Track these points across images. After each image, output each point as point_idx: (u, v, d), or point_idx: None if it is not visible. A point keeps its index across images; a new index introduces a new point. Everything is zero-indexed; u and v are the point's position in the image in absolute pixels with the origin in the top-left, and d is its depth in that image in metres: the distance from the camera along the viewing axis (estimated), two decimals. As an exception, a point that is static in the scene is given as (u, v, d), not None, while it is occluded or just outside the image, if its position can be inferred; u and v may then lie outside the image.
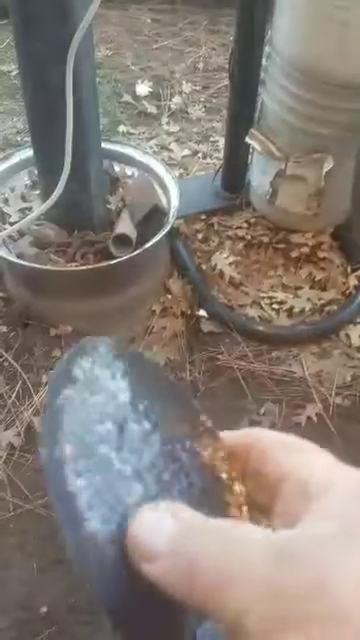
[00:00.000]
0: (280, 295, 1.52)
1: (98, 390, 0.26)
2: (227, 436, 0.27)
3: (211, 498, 0.25)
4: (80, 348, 0.27)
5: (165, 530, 0.21)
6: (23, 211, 1.46)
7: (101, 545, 0.21)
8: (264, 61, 1.47)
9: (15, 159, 1.50)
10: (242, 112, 1.55)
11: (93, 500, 0.22)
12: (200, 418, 0.28)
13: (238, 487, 0.26)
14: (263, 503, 0.25)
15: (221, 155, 1.73)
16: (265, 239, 1.62)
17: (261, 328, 1.46)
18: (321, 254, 1.58)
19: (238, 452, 0.26)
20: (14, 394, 1.33)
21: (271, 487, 0.24)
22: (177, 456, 0.26)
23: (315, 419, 1.32)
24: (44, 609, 1.10)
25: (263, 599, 0.18)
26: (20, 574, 1.13)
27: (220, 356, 1.42)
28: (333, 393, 1.36)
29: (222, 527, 0.21)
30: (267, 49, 1.45)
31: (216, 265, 1.56)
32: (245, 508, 0.26)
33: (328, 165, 1.41)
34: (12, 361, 1.37)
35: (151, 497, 0.23)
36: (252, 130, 1.51)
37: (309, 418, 1.32)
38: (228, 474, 0.26)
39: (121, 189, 1.52)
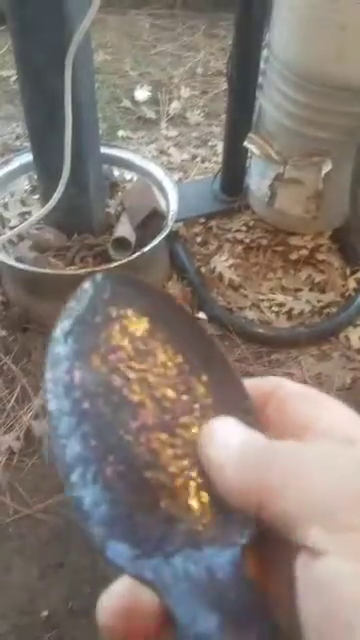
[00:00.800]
0: (279, 297, 1.52)
1: (115, 319, 0.26)
2: (248, 382, 0.27)
3: None
4: (101, 280, 0.27)
5: (234, 440, 0.22)
6: (23, 215, 1.46)
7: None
8: (262, 65, 1.47)
9: (15, 164, 1.51)
10: (240, 116, 1.55)
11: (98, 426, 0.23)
12: (222, 356, 0.28)
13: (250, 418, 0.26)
14: None
15: (220, 159, 1.74)
16: (264, 242, 1.62)
17: (260, 330, 1.46)
18: (320, 256, 1.58)
19: (255, 399, 0.26)
20: (13, 398, 1.32)
21: (291, 436, 0.23)
22: (192, 387, 0.26)
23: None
24: (44, 613, 1.09)
25: (347, 506, 0.18)
26: (20, 578, 1.12)
27: (220, 359, 1.42)
28: (333, 395, 1.35)
29: (290, 442, 0.21)
30: (265, 53, 1.45)
31: (215, 268, 1.56)
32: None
33: (326, 168, 1.42)
34: (11, 365, 1.37)
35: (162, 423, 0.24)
36: (250, 134, 1.52)
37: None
38: (244, 410, 0.26)
39: (120, 193, 1.53)
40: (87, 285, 0.26)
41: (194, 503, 0.22)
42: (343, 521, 0.18)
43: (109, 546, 0.20)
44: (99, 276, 0.27)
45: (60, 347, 0.25)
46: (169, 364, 0.26)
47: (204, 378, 0.26)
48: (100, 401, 0.23)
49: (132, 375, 0.25)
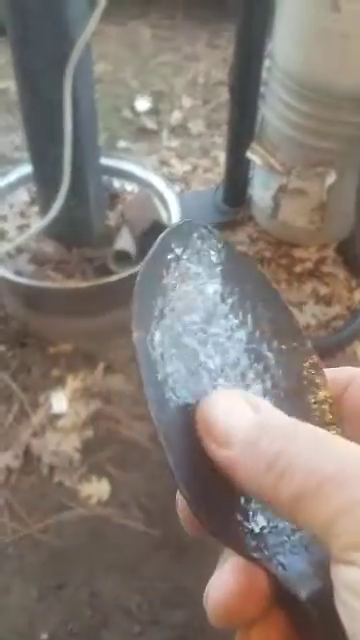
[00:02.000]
0: (284, 311, 1.49)
1: (189, 278, 0.25)
2: (327, 371, 0.26)
3: (294, 402, 0.25)
4: (174, 231, 0.26)
5: (244, 418, 0.20)
6: (22, 228, 1.44)
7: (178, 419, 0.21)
8: (264, 75, 1.46)
9: (13, 176, 1.49)
10: (243, 126, 1.54)
11: (178, 387, 0.22)
12: (295, 324, 0.27)
13: (323, 393, 0.26)
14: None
15: (222, 170, 1.72)
16: (268, 254, 1.60)
17: (265, 345, 1.43)
18: (325, 269, 1.55)
19: (336, 384, 0.25)
20: (11, 415, 1.30)
21: None
22: (263, 355, 0.25)
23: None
24: (44, 636, 1.07)
25: None
26: (19, 600, 1.10)
27: (223, 374, 1.39)
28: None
29: (311, 428, 0.20)
30: (267, 63, 1.44)
31: (218, 281, 1.53)
32: (330, 417, 0.25)
33: (330, 179, 1.40)
34: (9, 381, 1.35)
35: None
36: (253, 144, 1.50)
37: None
38: (315, 382, 0.26)
39: (121, 205, 1.51)
40: (170, 234, 0.26)
41: None
42: None
43: (219, 532, 0.21)
44: (186, 225, 0.27)
45: (141, 306, 0.24)
46: (242, 332, 0.25)
47: (277, 346, 0.26)
48: (179, 365, 0.23)
49: (210, 341, 0.24)
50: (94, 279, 1.36)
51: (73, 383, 1.33)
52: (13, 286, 1.37)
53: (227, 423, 0.20)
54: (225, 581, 0.20)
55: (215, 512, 0.21)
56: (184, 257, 0.26)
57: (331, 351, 1.44)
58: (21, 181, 1.49)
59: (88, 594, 1.11)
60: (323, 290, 1.52)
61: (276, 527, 0.21)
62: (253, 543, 0.21)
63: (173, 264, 0.25)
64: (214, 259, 0.27)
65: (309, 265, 1.56)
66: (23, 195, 1.51)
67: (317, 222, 1.50)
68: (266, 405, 0.22)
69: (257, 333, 0.26)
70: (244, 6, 1.36)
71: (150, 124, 2.14)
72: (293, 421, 0.20)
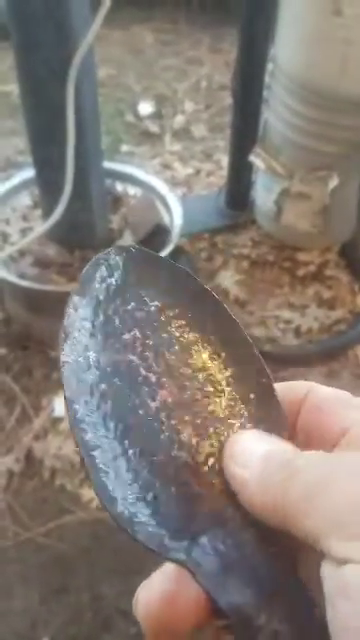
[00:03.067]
0: (286, 314, 1.49)
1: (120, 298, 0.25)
2: (278, 386, 0.26)
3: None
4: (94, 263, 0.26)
5: (260, 446, 0.22)
6: (24, 231, 1.44)
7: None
8: (267, 79, 1.46)
9: (16, 179, 1.49)
10: (245, 130, 1.54)
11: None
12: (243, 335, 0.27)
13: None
14: None
15: (225, 173, 1.72)
16: (270, 257, 1.60)
17: (267, 348, 1.43)
18: (328, 272, 1.55)
19: (288, 402, 0.25)
20: (13, 418, 1.30)
21: (326, 440, 0.23)
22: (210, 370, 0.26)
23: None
24: (46, 639, 1.06)
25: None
26: (21, 604, 1.10)
27: (225, 377, 1.39)
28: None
29: (316, 453, 0.21)
30: (270, 67, 1.44)
31: (221, 284, 1.53)
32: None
33: (333, 182, 1.40)
34: (11, 384, 1.35)
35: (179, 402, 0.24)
36: (256, 148, 1.50)
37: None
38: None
39: (123, 208, 1.51)
40: (102, 265, 0.26)
41: (217, 481, 0.23)
42: None
43: (139, 530, 0.21)
44: (113, 257, 0.26)
45: (76, 331, 0.24)
46: (185, 344, 0.25)
47: (224, 358, 0.26)
48: (117, 382, 0.23)
49: (149, 355, 0.24)
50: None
51: (75, 386, 1.33)
52: (15, 289, 1.37)
53: (246, 449, 0.22)
54: (149, 586, 0.22)
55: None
56: (124, 282, 0.26)
57: (334, 354, 1.43)
58: (24, 185, 1.50)
59: (90, 597, 1.10)
60: (326, 293, 1.52)
61: (215, 532, 0.22)
62: (184, 545, 0.21)
63: (113, 289, 0.26)
64: (154, 280, 0.26)
65: (312, 268, 1.55)
66: (26, 199, 1.52)
67: (320, 225, 1.50)
68: (276, 439, 0.23)
69: (205, 348, 0.26)
70: (246, 10, 1.37)
71: (153, 128, 2.14)
72: (296, 449, 0.22)
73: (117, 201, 1.52)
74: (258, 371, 0.26)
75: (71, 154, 1.16)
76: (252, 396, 0.25)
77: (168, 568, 0.22)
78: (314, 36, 1.26)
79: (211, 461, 0.23)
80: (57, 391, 1.34)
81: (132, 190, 1.55)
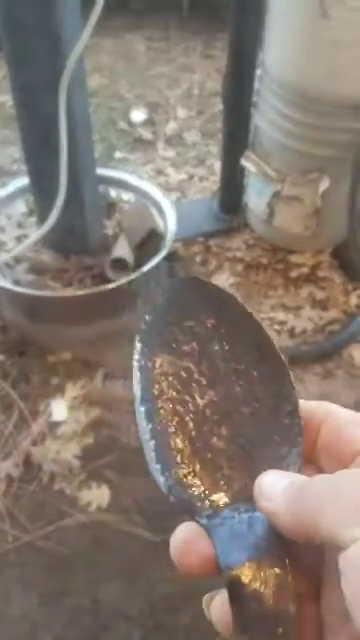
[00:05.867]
0: (281, 316, 1.50)
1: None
2: (302, 404, 0.30)
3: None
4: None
5: (280, 482, 0.25)
6: (20, 238, 1.46)
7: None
8: (256, 84, 1.48)
9: (11, 187, 1.51)
10: (236, 135, 1.56)
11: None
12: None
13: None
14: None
15: (217, 178, 1.74)
16: (264, 260, 1.61)
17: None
18: (321, 273, 1.56)
19: (309, 421, 0.29)
20: (11, 424, 1.30)
21: (344, 458, 0.26)
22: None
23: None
24: (45, 645, 1.07)
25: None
26: (21, 608, 1.10)
27: (221, 379, 1.40)
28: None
29: (322, 475, 0.25)
30: (259, 72, 1.46)
31: (215, 287, 1.54)
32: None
33: (324, 185, 1.41)
34: (9, 390, 1.35)
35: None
36: (247, 152, 1.52)
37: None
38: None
39: (118, 214, 1.52)
40: (163, 290, 0.32)
41: (245, 467, 0.28)
42: None
43: (176, 494, 0.27)
44: (179, 279, 0.34)
45: (143, 339, 0.30)
46: (232, 357, 0.30)
47: (259, 375, 0.30)
48: (176, 381, 0.29)
49: (204, 362, 0.30)
50: (92, 287, 1.37)
51: (72, 391, 1.34)
52: (12, 295, 1.38)
53: (271, 486, 0.26)
54: (179, 531, 0.27)
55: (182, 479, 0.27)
56: (183, 305, 0.32)
57: (328, 355, 1.44)
58: (19, 193, 1.51)
59: (89, 600, 1.10)
60: (319, 294, 1.53)
61: (236, 507, 0.27)
62: (208, 512, 0.27)
63: (175, 311, 0.32)
64: (206, 304, 0.32)
65: (305, 270, 1.57)
66: (21, 206, 1.53)
67: (312, 228, 1.51)
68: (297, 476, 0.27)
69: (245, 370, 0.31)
70: (235, 17, 1.39)
71: (146, 135, 2.16)
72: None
73: (111, 207, 1.54)
74: (286, 393, 0.30)
75: (64, 161, 1.17)
76: (278, 411, 0.30)
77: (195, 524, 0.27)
78: (302, 40, 1.28)
79: (242, 453, 0.28)
80: (55, 396, 1.34)
81: (126, 196, 1.56)
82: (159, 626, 1.08)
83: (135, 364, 0.29)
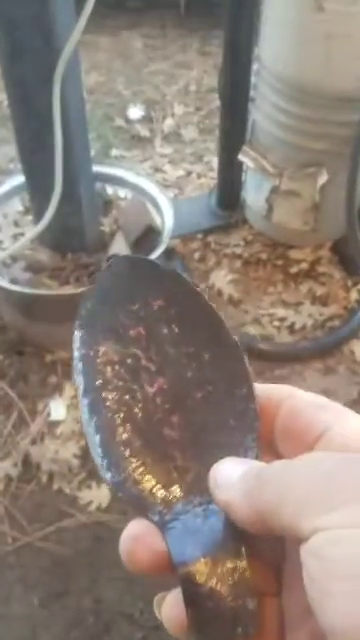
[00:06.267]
0: (281, 312, 1.49)
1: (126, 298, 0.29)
2: (257, 387, 0.28)
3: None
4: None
5: (236, 470, 0.24)
6: (16, 237, 1.45)
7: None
8: (253, 79, 1.47)
9: (6, 186, 1.50)
10: (234, 130, 1.55)
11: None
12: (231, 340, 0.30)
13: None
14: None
15: (215, 174, 1.73)
16: (263, 256, 1.60)
17: (263, 346, 1.43)
18: (320, 269, 1.55)
19: (266, 405, 0.27)
20: (10, 423, 1.30)
21: (303, 442, 0.25)
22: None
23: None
24: (46, 645, 1.06)
25: (320, 488, 0.21)
26: (21, 609, 1.09)
27: (221, 376, 1.39)
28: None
29: (280, 462, 0.23)
30: (255, 66, 1.45)
31: (214, 284, 1.54)
32: None
33: (322, 179, 1.40)
34: (7, 389, 1.35)
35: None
36: (245, 147, 1.51)
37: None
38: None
39: (115, 211, 1.51)
40: (105, 268, 0.30)
41: (200, 458, 0.26)
42: (336, 505, 0.20)
43: (124, 490, 0.25)
44: (117, 258, 0.30)
45: (84, 327, 0.29)
46: (181, 341, 0.29)
47: (212, 357, 0.29)
48: (122, 369, 0.27)
49: (152, 348, 0.28)
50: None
51: (71, 390, 1.33)
52: (9, 294, 1.37)
53: (226, 474, 0.24)
54: (128, 527, 0.26)
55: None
56: (127, 284, 0.30)
57: (329, 350, 1.43)
58: (15, 191, 1.50)
59: (90, 601, 1.10)
60: (319, 290, 1.52)
61: (191, 500, 0.26)
62: (159, 508, 0.25)
63: (118, 290, 0.30)
64: (154, 284, 0.30)
65: (305, 266, 1.56)
66: (17, 205, 1.52)
67: (311, 223, 1.50)
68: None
69: (196, 352, 0.29)
70: (230, 12, 1.38)
71: (143, 132, 2.15)
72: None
73: (108, 204, 1.53)
74: (240, 375, 0.28)
75: (59, 158, 1.16)
76: (232, 394, 0.28)
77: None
78: (297, 34, 1.27)
79: (196, 441, 0.27)
80: (53, 395, 1.34)
81: (123, 193, 1.55)
82: (159, 626, 1.07)
83: (76, 354, 0.28)
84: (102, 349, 0.28)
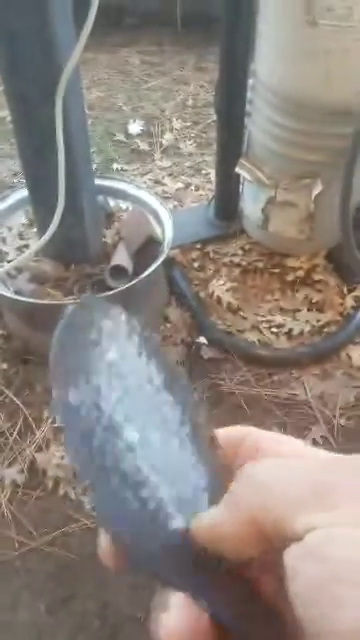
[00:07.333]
0: (278, 318, 1.52)
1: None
2: (219, 432, 0.29)
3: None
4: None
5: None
6: (21, 249, 1.48)
7: None
8: (249, 93, 1.50)
9: (11, 200, 1.53)
10: (230, 144, 1.58)
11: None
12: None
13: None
14: None
15: (213, 186, 1.76)
16: (260, 264, 1.63)
17: (261, 352, 1.46)
18: (316, 276, 1.59)
19: (229, 444, 0.27)
20: (16, 431, 1.32)
21: None
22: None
23: (320, 441, 1.31)
24: (53, 650, 1.07)
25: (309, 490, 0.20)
26: (27, 614, 1.10)
27: (222, 382, 1.42)
28: (337, 414, 1.35)
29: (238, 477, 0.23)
30: (251, 81, 1.48)
31: (213, 292, 1.57)
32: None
33: (317, 189, 1.43)
34: (13, 397, 1.37)
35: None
36: (241, 160, 1.54)
37: (314, 440, 1.31)
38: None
39: (116, 223, 1.55)
40: (71, 311, 0.31)
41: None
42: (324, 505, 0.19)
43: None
44: (86, 300, 0.32)
45: (56, 369, 0.30)
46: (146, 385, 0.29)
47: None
48: (92, 416, 0.27)
49: (117, 393, 0.28)
50: (92, 294, 1.39)
51: (75, 397, 1.35)
52: (14, 305, 1.40)
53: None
54: (174, 618, 0.23)
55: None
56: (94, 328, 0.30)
57: (326, 356, 1.46)
58: (19, 204, 1.54)
59: (97, 605, 1.10)
60: (316, 297, 1.55)
61: None
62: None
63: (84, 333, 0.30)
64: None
65: (301, 273, 1.59)
66: (21, 218, 1.56)
67: (306, 232, 1.53)
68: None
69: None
70: (227, 27, 1.41)
71: (143, 146, 2.20)
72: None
73: (110, 216, 1.56)
74: (201, 421, 0.28)
75: (62, 172, 1.19)
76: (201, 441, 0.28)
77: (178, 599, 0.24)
78: (292, 48, 1.30)
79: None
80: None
81: (124, 205, 1.59)
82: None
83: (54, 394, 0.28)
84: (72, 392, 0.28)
